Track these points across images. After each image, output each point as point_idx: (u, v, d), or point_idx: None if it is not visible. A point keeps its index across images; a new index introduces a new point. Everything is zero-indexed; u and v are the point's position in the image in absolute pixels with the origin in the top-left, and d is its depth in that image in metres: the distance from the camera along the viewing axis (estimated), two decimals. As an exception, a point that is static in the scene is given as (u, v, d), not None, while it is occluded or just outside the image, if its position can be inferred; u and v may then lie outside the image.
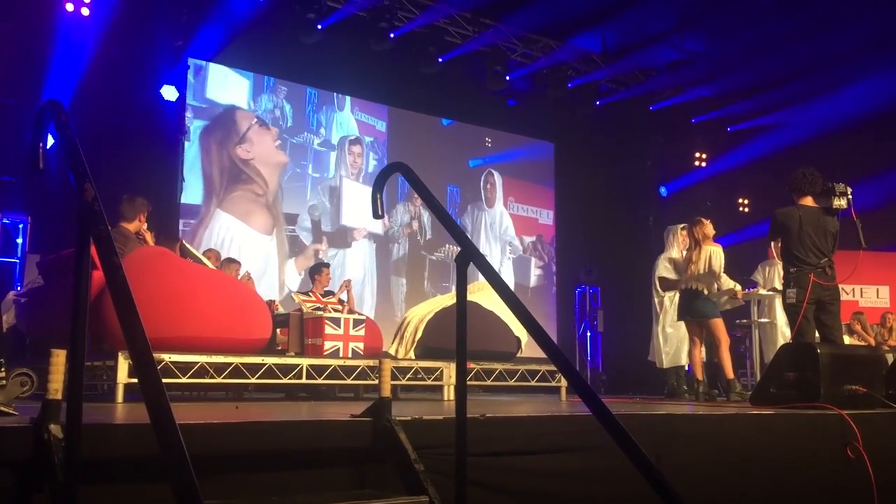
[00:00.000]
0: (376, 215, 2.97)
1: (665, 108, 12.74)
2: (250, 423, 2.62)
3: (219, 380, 5.05)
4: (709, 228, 6.97)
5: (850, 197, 5.74)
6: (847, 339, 9.89)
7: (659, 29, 11.29)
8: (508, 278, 12.33)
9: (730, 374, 6.72)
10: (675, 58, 11.97)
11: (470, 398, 6.02)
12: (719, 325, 6.81)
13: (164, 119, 9.23)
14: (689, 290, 6.86)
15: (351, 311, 7.10)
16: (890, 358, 5.90)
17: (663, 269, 7.61)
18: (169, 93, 9.21)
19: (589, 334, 12.77)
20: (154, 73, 9.16)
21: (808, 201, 5.83)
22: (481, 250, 12.00)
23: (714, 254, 6.85)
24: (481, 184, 12.44)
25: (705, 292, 6.84)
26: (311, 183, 10.78)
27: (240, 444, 2.51)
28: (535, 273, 12.90)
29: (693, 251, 6.93)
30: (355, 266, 10.90)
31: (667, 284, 7.53)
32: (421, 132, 11.79)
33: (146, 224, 5.89)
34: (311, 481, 2.63)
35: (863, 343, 9.88)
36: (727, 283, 7.11)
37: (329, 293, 7.88)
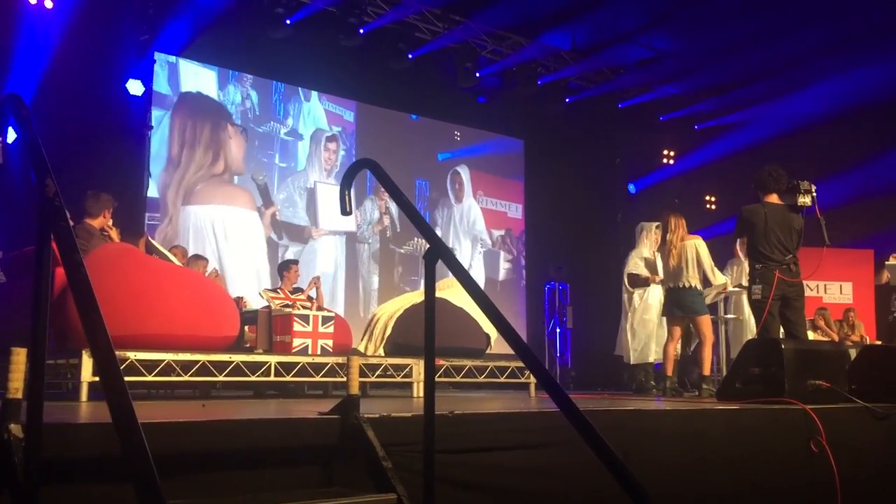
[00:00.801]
0: (344, 212, 2.96)
1: (633, 106, 12.82)
2: (216, 421, 2.59)
3: (185, 378, 5.00)
4: (683, 225, 7.03)
5: (814, 195, 5.83)
6: (811, 335, 10.06)
7: (628, 27, 11.36)
8: (479, 272, 12.36)
9: (707, 371, 6.77)
10: (644, 56, 12.05)
11: (439, 395, 6.02)
12: (708, 321, 6.86)
13: (130, 113, 9.10)
14: (676, 287, 6.87)
15: (320, 308, 7.07)
16: (853, 353, 6.00)
17: (633, 266, 7.66)
18: (135, 87, 9.08)
19: (558, 330, 12.82)
20: (119, 67, 9.02)
21: (774, 199, 5.91)
22: (451, 244, 12.01)
23: (699, 246, 6.88)
24: (447, 181, 12.44)
25: (698, 287, 6.87)
26: (279, 173, 10.68)
27: (206, 442, 2.48)
28: (503, 267, 12.93)
29: (671, 245, 6.93)
30: (325, 262, 10.85)
31: (636, 281, 7.58)
32: (389, 127, 11.74)
33: (111, 220, 5.82)
34: (279, 480, 2.61)
35: (826, 339, 10.05)
36: (719, 277, 7.15)
37: (298, 290, 7.84)
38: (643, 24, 11.27)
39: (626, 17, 11.13)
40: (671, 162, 13.46)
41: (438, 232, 11.69)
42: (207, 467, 2.46)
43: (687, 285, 6.79)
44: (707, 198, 13.50)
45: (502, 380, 6.56)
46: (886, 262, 8.68)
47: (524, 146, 13.30)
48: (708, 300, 7.17)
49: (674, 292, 6.89)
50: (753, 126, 12.54)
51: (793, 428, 3.99)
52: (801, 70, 11.44)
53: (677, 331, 6.94)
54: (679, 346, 7.10)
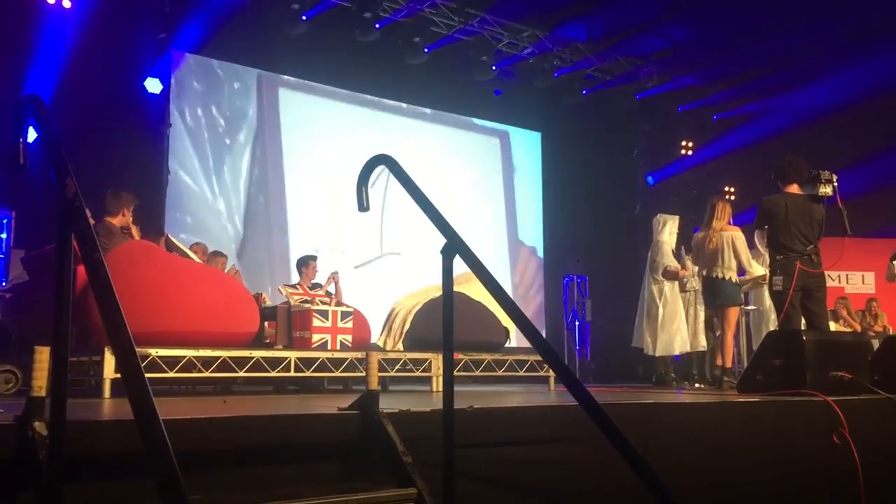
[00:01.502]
0: (362, 208, 2.96)
1: (651, 97, 12.75)
2: (237, 417, 2.61)
3: (206, 374, 5.04)
4: (728, 210, 6.99)
5: (835, 184, 5.77)
6: (833, 326, 9.98)
7: (644, 18, 11.29)
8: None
9: (728, 362, 6.73)
10: (661, 47, 11.98)
11: (458, 389, 6.02)
12: (734, 312, 6.84)
13: (148, 112, 9.17)
14: (709, 276, 6.82)
15: (339, 304, 7.09)
16: (875, 344, 5.95)
17: (669, 259, 7.64)
18: (153, 85, 9.14)
19: (577, 323, 12.80)
20: (137, 65, 9.09)
21: (794, 189, 5.86)
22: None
23: (736, 237, 6.83)
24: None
25: (733, 279, 6.83)
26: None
27: (227, 439, 2.50)
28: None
29: (714, 232, 6.87)
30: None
31: (669, 273, 7.56)
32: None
33: (132, 218, 5.86)
34: (299, 475, 2.62)
35: (848, 329, 9.96)
36: (757, 269, 7.10)
37: (316, 286, 7.86)
38: (659, 14, 11.20)
39: (642, 8, 11.06)
40: (689, 153, 13.37)
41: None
42: (228, 463, 2.47)
43: (722, 276, 6.75)
44: (726, 188, 13.40)
45: (521, 373, 6.56)
46: (893, 260, 8.59)
47: (541, 139, 13.26)
48: (745, 289, 7.16)
49: (706, 281, 6.85)
50: (771, 116, 12.43)
51: (814, 420, 3.96)
52: (818, 59, 11.32)
53: (716, 320, 6.96)
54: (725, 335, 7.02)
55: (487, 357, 6.38)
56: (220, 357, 5.03)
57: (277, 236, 10.45)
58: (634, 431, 3.29)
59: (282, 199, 10.52)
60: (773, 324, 7.48)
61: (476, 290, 6.42)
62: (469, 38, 11.03)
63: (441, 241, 2.62)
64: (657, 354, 7.86)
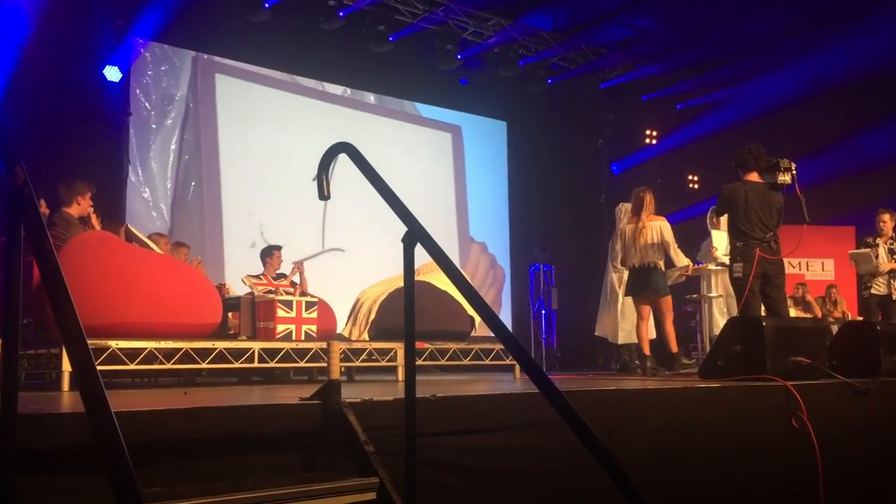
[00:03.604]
0: (322, 196, 2.94)
1: (615, 86, 12.81)
2: (196, 408, 2.58)
3: (168, 365, 4.98)
4: (652, 201, 7.06)
5: (794, 172, 5.86)
6: (793, 312, 10.14)
7: (608, 7, 11.33)
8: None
9: (674, 347, 6.82)
10: (625, 36, 12.03)
11: (424, 378, 6.02)
12: (669, 300, 6.92)
13: (108, 100, 9.00)
14: (643, 266, 6.92)
15: (304, 294, 7.05)
16: (835, 329, 6.05)
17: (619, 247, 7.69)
18: (112, 73, 8.98)
19: (543, 312, 12.85)
20: (96, 53, 8.92)
21: (754, 177, 5.94)
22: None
23: (664, 227, 6.93)
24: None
25: (660, 267, 6.92)
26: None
27: (187, 430, 2.47)
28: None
29: (638, 224, 6.98)
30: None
31: (624, 261, 7.62)
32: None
33: (92, 208, 5.76)
34: (261, 466, 2.60)
35: (809, 314, 10.14)
36: (682, 259, 7.19)
37: (281, 276, 7.81)
38: (623, 3, 11.23)
39: (606, -3, 11.11)
40: (654, 142, 13.47)
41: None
42: (188, 454, 2.45)
43: (651, 264, 6.85)
44: (689, 177, 13.54)
45: (487, 362, 6.58)
46: (850, 252, 8.75)
47: (507, 128, 13.27)
48: (670, 281, 7.22)
49: (638, 271, 6.94)
50: (734, 105, 12.56)
51: (774, 404, 4.02)
52: (780, 48, 11.46)
53: (646, 310, 6.99)
54: (653, 325, 7.15)
55: (453, 346, 6.39)
56: (181, 348, 4.97)
57: (210, 226, 10.11)
58: (598, 418, 3.33)
59: (216, 187, 10.21)
60: (733, 311, 7.59)
61: (441, 280, 6.42)
62: (434, 26, 10.99)
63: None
64: (619, 342, 7.93)
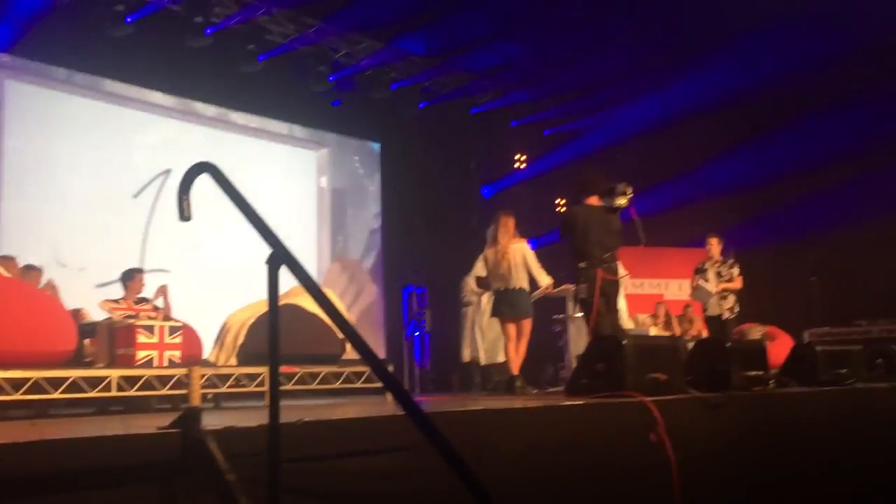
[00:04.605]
0: (182, 217, 2.84)
1: (485, 112, 13.11)
2: (40, 441, 2.42)
3: (16, 396, 4.67)
4: (513, 224, 7.22)
5: (630, 196, 6.19)
6: (653, 330, 10.60)
7: (479, 34, 11.61)
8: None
9: (517, 370, 6.95)
10: (495, 62, 12.34)
11: (295, 403, 5.91)
12: (531, 322, 7.08)
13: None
14: (507, 288, 7.05)
15: (167, 318, 6.79)
16: (691, 346, 6.36)
17: (480, 269, 7.80)
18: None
19: (417, 334, 12.88)
20: None
21: (594, 201, 6.25)
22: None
23: (525, 249, 7.09)
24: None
25: (526, 288, 7.07)
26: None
27: (30, 464, 2.32)
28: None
29: (503, 248, 7.11)
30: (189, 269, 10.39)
31: (484, 283, 7.73)
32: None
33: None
34: (116, 500, 2.47)
35: (668, 332, 10.61)
36: (544, 279, 7.38)
37: (143, 300, 7.48)
38: (494, 31, 11.54)
39: (477, 24, 11.37)
40: (523, 166, 13.83)
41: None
42: (34, 490, 2.30)
43: (516, 287, 7.01)
44: (557, 201, 13.96)
45: (358, 385, 6.53)
46: (693, 284, 9.35)
47: (380, 151, 13.30)
48: (535, 296, 7.41)
49: (505, 294, 7.07)
50: (597, 132, 13.10)
51: (634, 420, 4.16)
52: (635, 81, 12.07)
53: (512, 329, 7.11)
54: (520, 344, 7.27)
55: (323, 370, 6.31)
56: (31, 378, 4.67)
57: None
58: (466, 438, 3.35)
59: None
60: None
61: (311, 302, 6.32)
62: (305, 47, 10.91)
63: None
64: (483, 363, 8.06)
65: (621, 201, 6.14)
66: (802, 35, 10.43)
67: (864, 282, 11.72)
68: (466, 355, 8.39)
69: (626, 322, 8.20)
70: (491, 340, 7.98)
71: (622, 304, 8.16)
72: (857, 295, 11.69)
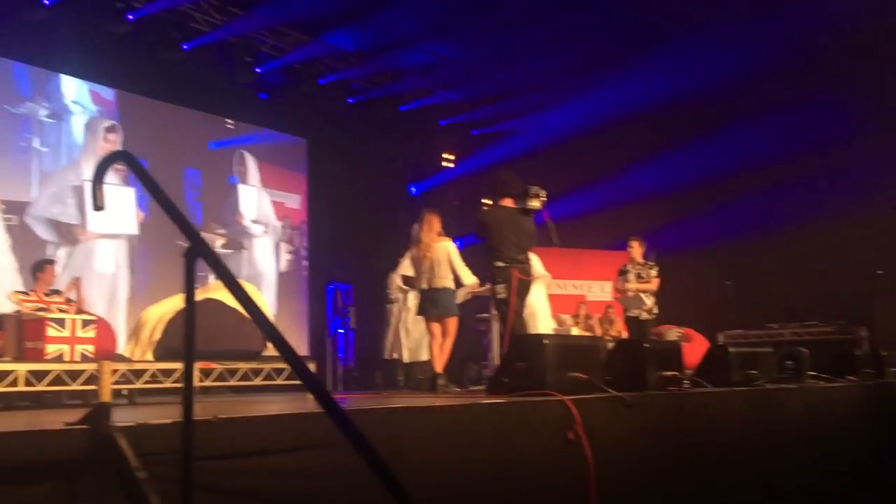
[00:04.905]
0: (96, 207, 2.75)
1: (414, 110, 13.10)
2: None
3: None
4: (438, 223, 7.24)
5: (543, 199, 6.31)
6: (575, 330, 10.76)
7: (409, 32, 11.60)
8: (268, 262, 12.02)
9: (441, 368, 6.98)
10: (425, 61, 12.34)
11: (215, 399, 5.80)
12: (456, 321, 7.11)
13: None
14: (432, 287, 7.06)
15: (80, 311, 6.57)
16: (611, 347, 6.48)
17: (406, 268, 7.79)
18: None
19: (341, 331, 12.79)
20: None
21: (508, 202, 6.35)
22: (229, 232, 11.43)
23: (450, 248, 7.12)
24: (233, 164, 12.02)
25: (451, 287, 7.09)
26: (40, 160, 9.71)
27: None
28: (285, 258, 12.73)
29: (426, 247, 7.12)
30: (105, 262, 10.05)
31: (409, 282, 7.72)
32: (156, 117, 10.97)
33: None
34: (18, 499, 2.38)
35: (589, 332, 10.80)
36: (469, 278, 7.41)
37: (55, 292, 7.22)
38: (425, 30, 11.55)
39: (407, 23, 11.35)
40: (451, 165, 13.87)
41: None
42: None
43: (441, 285, 7.03)
44: (483, 200, 14.04)
45: (280, 382, 6.43)
46: (618, 298, 9.63)
47: (307, 145, 13.16)
48: (458, 300, 7.43)
49: (430, 292, 7.09)
50: (525, 135, 13.25)
51: (552, 418, 4.22)
52: (562, 85, 12.25)
53: (437, 328, 7.13)
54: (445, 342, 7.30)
55: (244, 366, 6.20)
56: (-69, 372, 4.46)
57: None
58: (387, 436, 3.34)
59: None
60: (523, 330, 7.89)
61: (232, 296, 6.21)
62: (232, 38, 10.70)
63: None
64: (406, 360, 8.06)
65: (534, 204, 6.27)
66: (724, 46, 10.75)
67: (777, 287, 12.16)
68: (390, 353, 8.37)
69: (549, 322, 8.30)
70: (416, 339, 7.98)
71: (545, 304, 8.27)
72: (769, 299, 12.12)
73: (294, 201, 12.98)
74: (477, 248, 9.57)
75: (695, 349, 8.17)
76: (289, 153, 13.04)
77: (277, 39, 11.14)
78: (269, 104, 12.06)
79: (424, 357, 8.03)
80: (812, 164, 11.85)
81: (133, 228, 10.38)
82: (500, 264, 6.08)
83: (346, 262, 12.77)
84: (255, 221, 12.26)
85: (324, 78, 11.83)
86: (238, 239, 11.99)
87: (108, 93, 10.54)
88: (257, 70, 11.03)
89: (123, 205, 10.21)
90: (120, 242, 10.33)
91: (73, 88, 10.18)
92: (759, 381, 5.92)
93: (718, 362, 5.92)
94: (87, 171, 9.92)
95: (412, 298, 8.02)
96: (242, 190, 12.16)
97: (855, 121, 11.58)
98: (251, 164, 12.27)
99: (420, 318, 7.75)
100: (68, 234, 9.81)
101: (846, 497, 6.03)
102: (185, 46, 10.21)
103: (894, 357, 7.72)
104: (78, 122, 10.18)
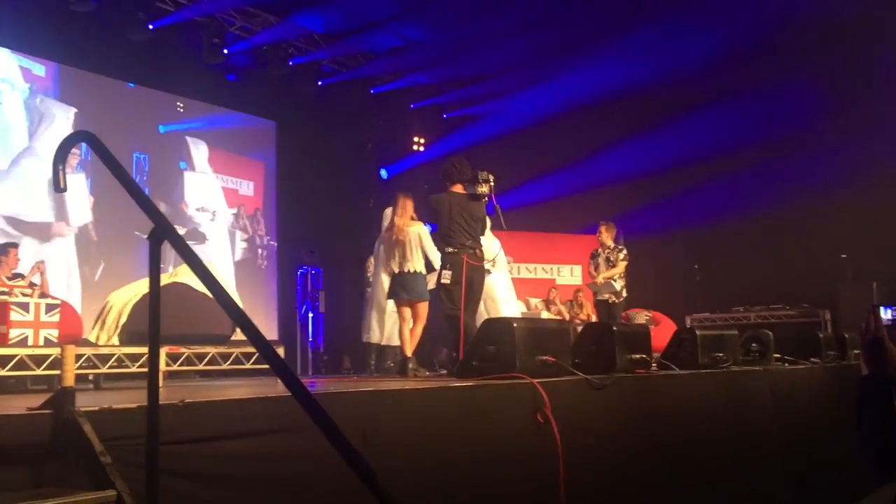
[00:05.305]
0: (58, 189, 2.70)
1: (385, 93, 13.03)
2: None
3: None
4: (411, 206, 7.23)
5: (492, 184, 6.34)
6: (545, 314, 10.82)
7: (380, 15, 11.51)
8: (224, 252, 11.94)
9: (410, 352, 6.98)
10: (396, 44, 12.27)
11: (182, 384, 5.75)
12: (426, 305, 7.10)
13: None
14: (402, 271, 7.04)
15: (44, 295, 6.47)
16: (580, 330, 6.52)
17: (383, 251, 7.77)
18: None
19: (311, 315, 12.75)
20: None
21: (458, 188, 6.38)
22: (182, 221, 11.25)
23: (422, 232, 7.10)
24: (181, 152, 11.76)
25: (422, 272, 7.07)
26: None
27: None
28: (240, 246, 12.55)
29: (399, 230, 7.09)
30: (66, 248, 9.89)
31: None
32: (103, 95, 10.68)
33: None
34: (-20, 484, 2.35)
35: (559, 316, 10.86)
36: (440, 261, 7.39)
37: (18, 276, 7.11)
38: (395, 13, 11.46)
39: (378, 5, 11.27)
40: (422, 149, 13.84)
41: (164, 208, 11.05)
42: None
43: (412, 270, 7.01)
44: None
45: (248, 366, 6.38)
46: (589, 284, 9.71)
47: (276, 127, 13.02)
48: (430, 286, 7.42)
49: (400, 276, 7.07)
50: (496, 118, 13.23)
51: (522, 401, 4.24)
52: (533, 69, 12.24)
53: (407, 312, 7.10)
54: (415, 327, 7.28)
55: (211, 350, 6.14)
56: None
57: None
58: (355, 420, 3.34)
59: None
60: (491, 314, 7.91)
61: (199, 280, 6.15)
62: (199, 17, 10.55)
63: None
64: (381, 343, 8.04)
65: (482, 189, 6.32)
66: (692, 32, 10.81)
67: (743, 271, 12.32)
68: (365, 336, 8.35)
69: (515, 307, 8.31)
70: (392, 322, 7.95)
71: (509, 289, 8.30)
72: (735, 283, 12.28)
73: (248, 188, 12.76)
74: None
75: (662, 332, 8.26)
76: (258, 136, 12.88)
77: (245, 20, 11.01)
78: (237, 86, 11.92)
79: (397, 342, 8.03)
80: (778, 150, 11.99)
81: (88, 215, 10.20)
82: (450, 249, 6.14)
83: (315, 246, 12.70)
84: (200, 210, 11.97)
85: (294, 60, 11.71)
86: (185, 226, 11.69)
87: (45, 69, 10.11)
88: (226, 51, 10.88)
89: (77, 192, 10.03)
90: (73, 229, 10.15)
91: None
92: (725, 364, 6.00)
93: (686, 345, 5.98)
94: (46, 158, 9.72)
95: (387, 281, 8.00)
96: (189, 177, 11.86)
97: (821, 107, 11.72)
98: (201, 150, 11.98)
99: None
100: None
101: (812, 476, 6.15)
102: (151, 26, 10.04)
103: (857, 339, 7.85)
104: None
